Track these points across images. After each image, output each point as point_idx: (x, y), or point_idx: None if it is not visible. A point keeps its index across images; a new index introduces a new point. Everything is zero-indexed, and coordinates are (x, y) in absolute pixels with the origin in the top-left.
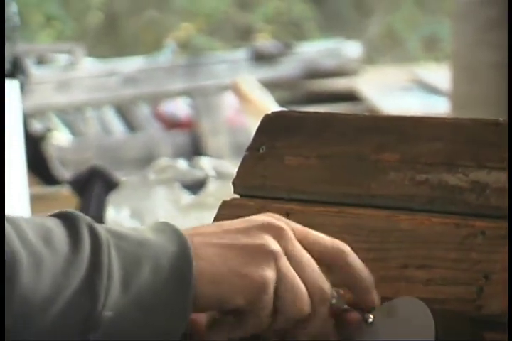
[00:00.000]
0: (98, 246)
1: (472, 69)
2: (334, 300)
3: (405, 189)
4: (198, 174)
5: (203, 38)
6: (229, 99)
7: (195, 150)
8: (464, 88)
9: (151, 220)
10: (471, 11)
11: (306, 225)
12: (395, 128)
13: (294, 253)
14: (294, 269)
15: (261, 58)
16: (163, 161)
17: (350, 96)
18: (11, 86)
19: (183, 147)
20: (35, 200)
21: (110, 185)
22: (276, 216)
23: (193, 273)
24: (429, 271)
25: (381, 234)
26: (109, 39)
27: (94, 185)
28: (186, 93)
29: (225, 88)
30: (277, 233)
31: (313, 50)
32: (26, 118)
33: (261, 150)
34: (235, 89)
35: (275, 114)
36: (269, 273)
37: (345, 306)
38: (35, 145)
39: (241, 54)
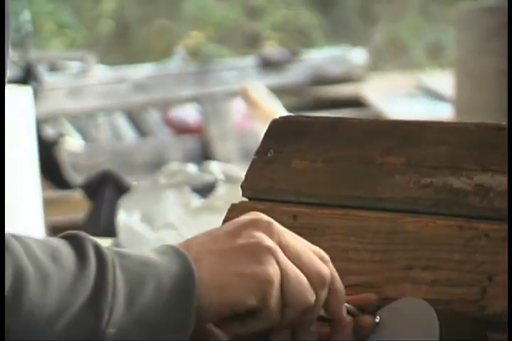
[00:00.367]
0: (103, 265)
1: (475, 76)
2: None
3: (410, 192)
4: (207, 178)
5: (212, 45)
6: (237, 105)
7: (204, 154)
8: (468, 94)
9: (161, 223)
10: (474, 19)
11: (313, 227)
12: (400, 133)
13: (287, 243)
14: (290, 259)
15: (268, 65)
16: (174, 166)
17: (356, 103)
18: (24, 92)
19: (193, 152)
20: (47, 204)
21: (121, 189)
22: (258, 213)
23: (196, 288)
24: (433, 272)
25: (386, 236)
26: (120, 47)
27: (106, 189)
28: (195, 99)
29: (233, 94)
30: (265, 227)
31: (320, 57)
32: (39, 123)
33: (269, 154)
34: (244, 95)
35: (283, 119)
36: (271, 269)
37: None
38: (47, 150)
39: (249, 61)
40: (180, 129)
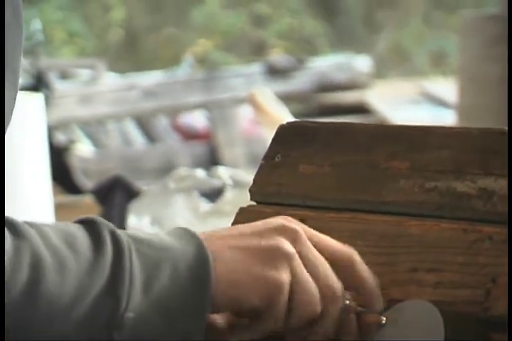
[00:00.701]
0: (120, 251)
1: (478, 82)
2: (348, 302)
3: (415, 196)
4: (215, 183)
5: (220, 53)
6: (244, 111)
7: (212, 160)
8: (471, 100)
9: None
10: (477, 26)
11: (319, 230)
12: (405, 137)
13: (307, 254)
14: (307, 270)
15: (274, 72)
16: (183, 171)
17: (360, 109)
18: (36, 99)
19: (201, 157)
20: (58, 209)
21: (131, 193)
22: (290, 219)
23: (211, 277)
24: (438, 274)
25: (391, 239)
26: (130, 55)
27: (116, 194)
28: (203, 106)
29: (240, 101)
30: (291, 235)
31: (325, 64)
32: (50, 130)
33: (276, 159)
34: (252, 101)
35: (290, 124)
36: (284, 275)
37: (359, 308)
38: (59, 156)
39: (255, 68)
40: (189, 135)
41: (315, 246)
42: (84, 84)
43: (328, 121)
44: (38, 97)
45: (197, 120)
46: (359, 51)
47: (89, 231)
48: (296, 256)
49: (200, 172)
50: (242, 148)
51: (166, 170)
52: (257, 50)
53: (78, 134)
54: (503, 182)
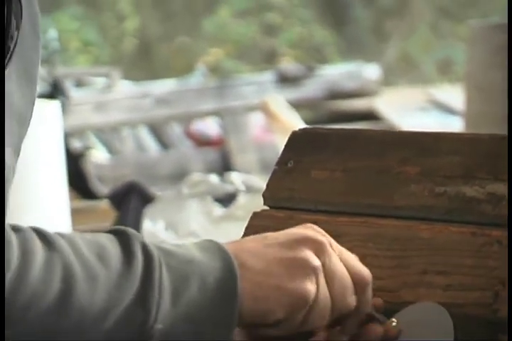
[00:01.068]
0: (150, 263)
1: (485, 90)
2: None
3: (425, 200)
4: (228, 188)
5: (231, 61)
6: (255, 118)
7: (224, 166)
8: (477, 107)
9: (184, 231)
10: (484, 35)
11: (331, 235)
12: (415, 143)
13: (331, 267)
14: (328, 281)
15: (285, 80)
16: (196, 176)
17: (369, 116)
18: (52, 106)
19: (213, 163)
20: (75, 213)
21: (146, 199)
22: (316, 228)
23: (238, 290)
24: (447, 277)
25: (403, 242)
26: (143, 63)
27: (131, 199)
28: (216, 113)
29: (252, 108)
30: (318, 247)
31: (335, 72)
32: (66, 137)
33: (289, 165)
34: (264, 108)
35: (302, 131)
36: (312, 288)
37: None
38: (74, 162)
39: (267, 76)
40: (202, 142)
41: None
42: (99, 91)
43: (339, 127)
44: (55, 105)
45: (209, 127)
46: (368, 59)
47: (120, 243)
48: (321, 269)
49: (214, 178)
50: (253, 154)
51: (179, 176)
52: (268, 59)
53: (93, 141)
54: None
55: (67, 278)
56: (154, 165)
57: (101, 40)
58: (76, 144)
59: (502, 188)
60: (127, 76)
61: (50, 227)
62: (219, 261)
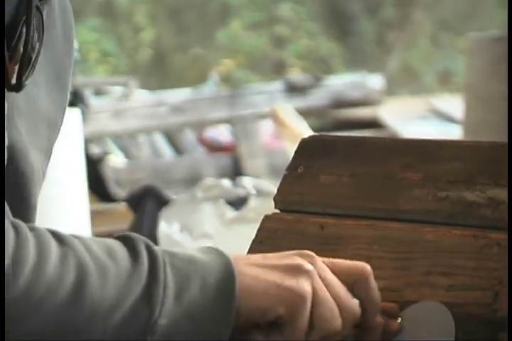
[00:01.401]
0: (155, 262)
1: (484, 99)
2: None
3: (428, 204)
4: (240, 192)
5: (243, 72)
6: (265, 126)
7: (235, 171)
8: (476, 116)
9: (199, 233)
10: (484, 47)
11: (339, 237)
12: (419, 150)
13: (325, 275)
14: (327, 288)
15: (293, 90)
16: (209, 181)
17: (373, 124)
18: (73, 114)
19: (225, 168)
20: (94, 215)
21: (162, 202)
22: (306, 252)
23: (236, 289)
24: (450, 277)
25: (407, 244)
26: (159, 73)
27: (148, 202)
28: (227, 120)
29: (262, 116)
30: (310, 260)
31: (340, 82)
32: (86, 143)
33: (299, 170)
34: (274, 116)
35: (311, 138)
36: (307, 287)
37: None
38: (94, 167)
39: (276, 86)
40: (214, 148)
41: (331, 269)
42: (117, 100)
43: (346, 135)
44: (75, 112)
45: (221, 134)
46: (371, 70)
47: (127, 244)
48: (316, 273)
49: (226, 182)
50: (263, 159)
51: (192, 180)
52: (277, 69)
53: (111, 146)
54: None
55: (81, 274)
56: (169, 170)
57: (118, 51)
58: (95, 150)
59: (501, 193)
60: (144, 85)
61: (71, 228)
62: (219, 263)
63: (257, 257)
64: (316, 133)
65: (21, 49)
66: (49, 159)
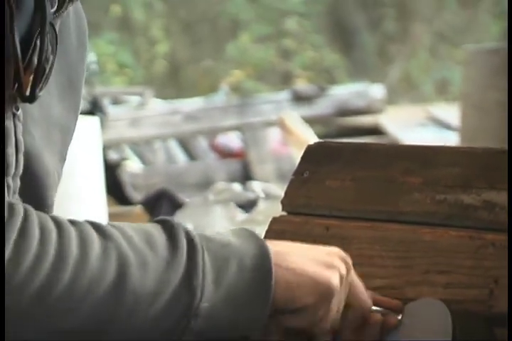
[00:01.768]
0: (193, 248)
1: (480, 108)
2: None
3: (427, 207)
4: (249, 195)
5: (252, 82)
6: (273, 133)
7: (245, 175)
8: (472, 124)
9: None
10: (479, 59)
11: (343, 237)
12: (418, 156)
13: (352, 278)
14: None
15: (300, 99)
16: (221, 185)
17: (375, 131)
18: (92, 122)
19: (235, 173)
20: (112, 218)
21: (176, 205)
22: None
23: (272, 272)
24: (448, 276)
25: (407, 244)
26: (173, 83)
27: (163, 205)
28: (237, 128)
29: (270, 124)
30: (342, 259)
31: (344, 92)
32: (104, 149)
33: (305, 175)
34: (281, 124)
35: (317, 144)
36: (336, 281)
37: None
38: (112, 172)
39: (283, 95)
40: (225, 154)
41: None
42: (133, 109)
43: (349, 141)
44: (94, 120)
45: (232, 141)
46: (373, 80)
47: (166, 231)
48: (345, 271)
49: (236, 186)
50: (271, 165)
51: (204, 184)
52: (284, 80)
53: (128, 153)
54: (505, 195)
55: (122, 265)
56: (182, 175)
57: (135, 63)
58: (113, 156)
59: (497, 196)
60: (159, 95)
61: None
62: (254, 245)
63: (291, 245)
64: (321, 140)
65: (36, 61)
66: (64, 162)
